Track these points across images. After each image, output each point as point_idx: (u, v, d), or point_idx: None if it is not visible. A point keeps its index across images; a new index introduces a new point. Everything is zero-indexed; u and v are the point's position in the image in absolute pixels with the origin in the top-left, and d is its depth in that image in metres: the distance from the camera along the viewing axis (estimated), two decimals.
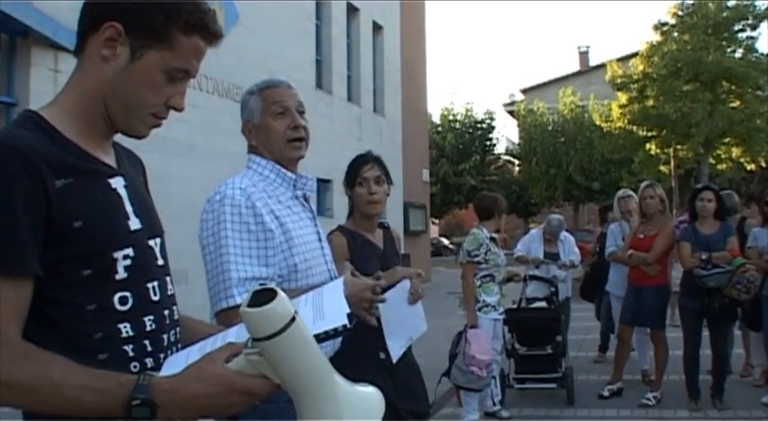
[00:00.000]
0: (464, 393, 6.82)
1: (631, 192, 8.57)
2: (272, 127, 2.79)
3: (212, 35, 1.72)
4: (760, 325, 7.65)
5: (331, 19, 18.07)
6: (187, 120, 9.61)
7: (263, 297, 1.38)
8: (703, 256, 7.08)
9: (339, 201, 14.69)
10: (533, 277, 8.33)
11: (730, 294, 6.96)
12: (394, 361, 3.53)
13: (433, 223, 42.85)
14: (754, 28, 25.39)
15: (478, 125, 42.28)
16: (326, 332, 1.56)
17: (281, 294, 1.38)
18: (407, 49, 23.55)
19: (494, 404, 7.35)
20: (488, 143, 42.81)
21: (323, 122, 16.10)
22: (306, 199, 2.87)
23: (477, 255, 6.92)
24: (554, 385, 7.75)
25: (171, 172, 10.08)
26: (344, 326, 1.58)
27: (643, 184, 7.91)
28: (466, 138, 41.37)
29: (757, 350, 8.25)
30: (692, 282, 7.14)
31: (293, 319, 1.38)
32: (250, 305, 1.37)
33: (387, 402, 3.48)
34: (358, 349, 2.98)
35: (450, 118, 42.32)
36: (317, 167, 12.59)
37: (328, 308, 1.69)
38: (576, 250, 8.94)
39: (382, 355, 3.51)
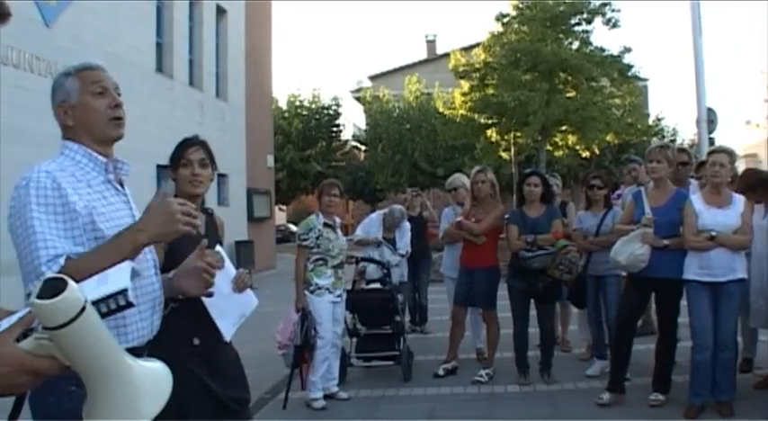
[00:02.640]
0: (310, 374, 6.98)
1: (459, 183, 8.84)
2: (93, 106, 2.76)
3: None
4: (585, 302, 8.12)
5: (173, 1, 17.70)
6: (18, 104, 9.26)
7: (55, 286, 1.41)
8: (529, 239, 7.41)
9: None
10: (365, 259, 8.50)
11: (553, 275, 7.34)
12: (227, 339, 3.58)
13: (280, 210, 42.75)
14: (589, 22, 26.38)
15: (325, 111, 42.38)
16: (109, 306, 1.60)
17: (72, 284, 1.42)
18: (252, 34, 23.33)
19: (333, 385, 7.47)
20: (335, 129, 43.00)
21: (163, 107, 15.80)
22: (121, 183, 2.85)
23: (306, 239, 7.08)
24: (392, 362, 7.98)
25: (1, 157, 9.70)
26: (125, 292, 1.63)
27: (475, 169, 8.19)
28: (312, 124, 41.38)
29: (583, 326, 8.70)
30: (519, 264, 7.47)
31: (83, 309, 1.42)
32: (42, 294, 1.40)
33: (204, 388, 3.55)
34: (171, 335, 3.00)
35: (297, 104, 42.20)
36: (156, 153, 12.19)
37: (113, 277, 1.74)
38: (408, 237, 9.15)
39: (196, 341, 3.54)
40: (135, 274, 2.14)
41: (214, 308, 3.46)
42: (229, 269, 3.66)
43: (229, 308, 3.56)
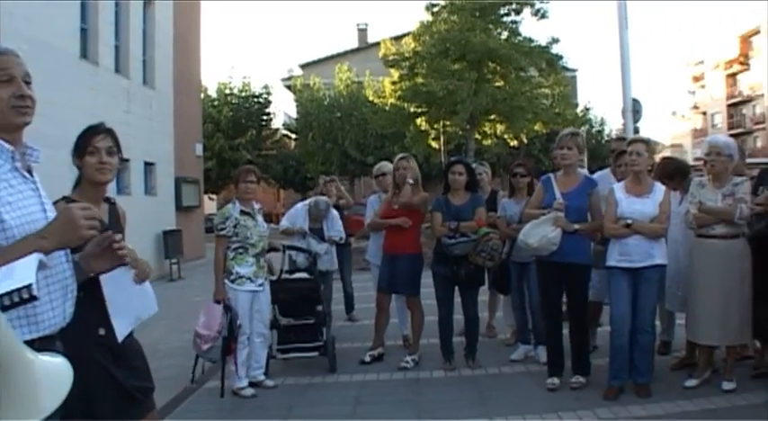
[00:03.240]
0: (231, 362, 6.95)
1: (387, 169, 8.85)
2: None
3: None
4: (508, 289, 8.24)
5: None
6: None
7: None
8: (451, 226, 7.48)
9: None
10: (291, 247, 8.48)
11: (476, 261, 7.42)
12: (119, 340, 3.53)
13: (210, 199, 42.32)
14: (518, 12, 26.66)
15: (255, 99, 42.07)
16: (12, 299, 1.60)
17: None
18: (181, 21, 22.96)
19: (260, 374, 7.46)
20: (265, 117, 42.72)
21: (87, 94, 15.46)
22: (29, 171, 2.80)
23: (223, 229, 7.05)
24: (316, 353, 7.92)
25: None
26: (29, 287, 1.63)
27: (398, 156, 8.21)
28: (242, 113, 41.04)
29: (508, 312, 8.82)
30: (442, 250, 7.55)
31: None
32: None
33: (109, 377, 3.53)
34: (76, 325, 2.96)
35: (227, 92, 41.80)
36: None
37: (19, 270, 1.73)
38: (340, 224, 9.14)
39: (102, 331, 3.49)
40: (42, 266, 2.13)
41: (113, 304, 3.42)
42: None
43: (128, 308, 3.49)
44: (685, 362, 7.28)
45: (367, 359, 8.10)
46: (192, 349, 7.00)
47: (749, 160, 10.09)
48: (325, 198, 9.52)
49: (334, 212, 9.25)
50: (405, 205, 7.87)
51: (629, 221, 6.38)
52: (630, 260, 6.40)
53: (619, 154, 7.72)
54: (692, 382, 6.66)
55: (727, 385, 6.51)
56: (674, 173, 7.39)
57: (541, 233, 6.61)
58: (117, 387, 3.54)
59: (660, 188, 6.62)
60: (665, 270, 6.54)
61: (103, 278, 3.24)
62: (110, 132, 3.72)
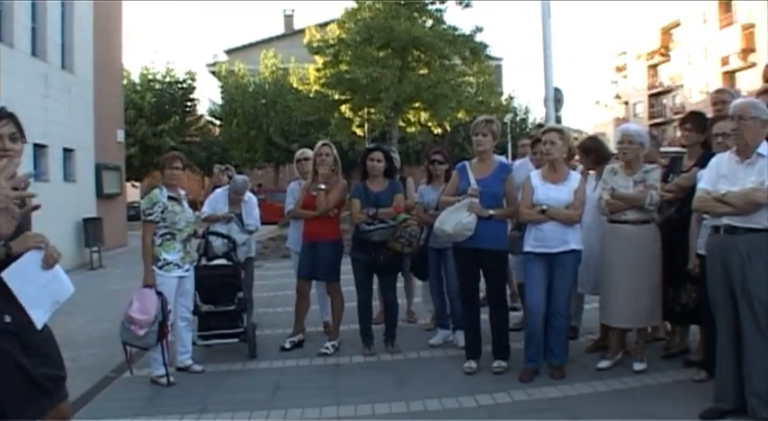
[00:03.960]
0: (152, 349, 6.89)
1: (309, 154, 8.81)
2: None
3: None
4: (427, 274, 8.33)
5: None
6: None
7: None
8: (370, 212, 7.53)
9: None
10: (212, 233, 8.43)
11: (394, 247, 7.48)
12: (39, 327, 3.47)
13: (133, 186, 41.73)
14: (442, 1, 26.83)
15: (179, 85, 41.58)
16: None
17: None
18: (101, 3, 22.46)
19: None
20: (189, 104, 42.27)
21: (2, 79, 15.08)
22: None
23: (151, 214, 6.99)
24: (236, 340, 7.92)
25: None
26: None
27: (319, 143, 8.18)
28: (166, 98, 40.53)
29: (427, 297, 8.90)
30: (361, 237, 7.59)
31: None
32: None
33: (17, 366, 3.48)
34: None
35: (150, 77, 41.23)
36: None
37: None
38: (257, 213, 9.09)
39: (7, 319, 3.42)
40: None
41: (25, 297, 3.37)
42: (38, 254, 3.51)
43: (42, 296, 3.45)
44: (599, 345, 7.47)
45: (287, 345, 8.10)
46: (120, 337, 6.83)
47: (663, 149, 10.34)
48: (242, 176, 9.48)
49: (254, 199, 9.19)
50: (322, 212, 7.89)
51: (545, 207, 6.51)
52: (546, 246, 6.53)
53: (535, 142, 7.85)
54: (604, 364, 6.85)
55: (638, 366, 6.73)
56: (591, 150, 7.55)
57: (456, 219, 6.69)
58: (25, 375, 3.46)
59: (575, 176, 6.77)
60: (580, 255, 6.68)
61: (7, 274, 3.19)
62: (12, 117, 3.63)
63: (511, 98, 45.66)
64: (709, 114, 7.11)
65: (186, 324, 7.36)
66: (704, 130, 6.69)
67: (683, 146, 7.12)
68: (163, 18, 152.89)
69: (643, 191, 6.51)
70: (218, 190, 9.39)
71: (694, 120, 6.98)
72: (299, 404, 6.20)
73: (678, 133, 9.08)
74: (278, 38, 51.94)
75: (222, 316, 7.98)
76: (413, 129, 28.67)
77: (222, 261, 8.15)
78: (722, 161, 5.42)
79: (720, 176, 5.34)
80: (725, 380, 5.40)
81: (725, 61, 61.49)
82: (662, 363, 6.95)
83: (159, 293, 6.80)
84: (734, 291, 5.22)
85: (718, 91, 7.79)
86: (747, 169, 5.19)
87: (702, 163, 6.02)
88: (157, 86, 41.04)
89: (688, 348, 7.21)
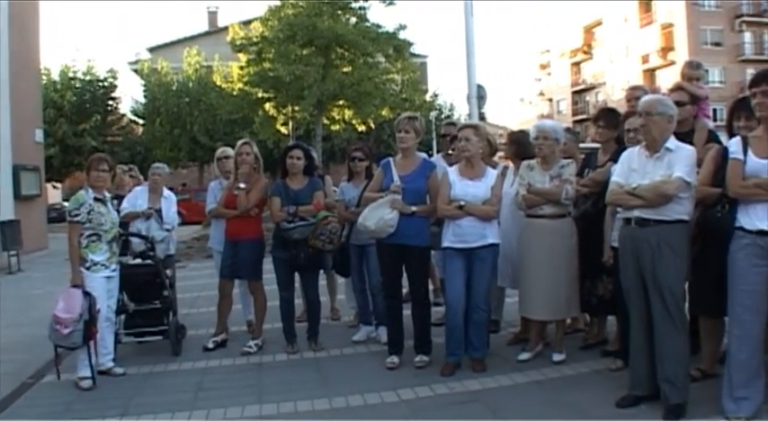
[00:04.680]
0: (79, 350, 6.81)
1: (230, 152, 8.77)
2: None
3: None
4: (349, 271, 8.36)
5: None
6: None
7: None
8: (290, 210, 7.51)
9: None
10: (131, 234, 8.34)
11: (315, 245, 7.49)
12: None
13: (54, 187, 40.92)
14: None
15: (101, 83, 40.82)
16: None
17: None
18: (16, 3, 21.92)
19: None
20: (111, 102, 41.50)
21: None
22: None
23: (77, 215, 6.95)
24: (161, 337, 7.94)
25: None
26: None
27: (240, 142, 8.15)
28: (87, 97, 39.75)
29: (350, 294, 8.95)
30: (281, 235, 7.57)
31: None
32: None
33: None
34: None
35: (71, 75, 40.41)
36: None
37: None
38: (175, 211, 9.01)
39: None
40: None
41: None
42: None
43: None
44: (520, 337, 7.60)
45: (210, 345, 8.06)
46: (48, 339, 6.76)
47: (584, 145, 10.57)
48: (163, 164, 9.42)
49: (173, 197, 9.11)
50: (243, 211, 7.87)
51: (462, 203, 6.59)
52: (464, 241, 6.62)
53: (452, 139, 7.94)
54: (524, 356, 6.98)
55: (557, 357, 6.88)
56: (514, 142, 7.67)
57: (379, 215, 6.73)
58: None
59: (492, 172, 6.87)
60: (498, 249, 6.77)
61: None
62: None
63: (436, 95, 45.98)
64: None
65: (108, 324, 7.25)
66: (617, 126, 6.86)
67: (598, 142, 7.27)
68: (85, 15, 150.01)
69: (558, 185, 6.64)
70: (137, 187, 9.31)
71: (606, 116, 7.17)
72: (222, 404, 6.17)
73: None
74: (202, 35, 51.45)
75: (147, 314, 8.02)
76: (337, 126, 28.68)
77: (138, 260, 8.10)
78: (633, 155, 5.57)
79: (631, 170, 5.49)
80: (638, 367, 5.56)
81: (645, 59, 63.26)
82: (581, 354, 7.11)
83: (87, 293, 6.76)
84: (645, 282, 5.37)
85: (633, 88, 8.01)
86: (656, 163, 5.35)
87: (616, 158, 6.16)
88: (78, 85, 40.22)
89: (606, 339, 7.39)
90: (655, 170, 5.33)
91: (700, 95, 6.84)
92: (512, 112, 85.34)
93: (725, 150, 5.35)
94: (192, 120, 37.98)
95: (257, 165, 7.98)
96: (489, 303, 6.95)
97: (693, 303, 5.97)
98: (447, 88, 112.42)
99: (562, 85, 76.72)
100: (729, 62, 60.37)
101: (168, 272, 8.34)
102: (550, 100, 79.69)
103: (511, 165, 7.74)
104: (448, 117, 48.51)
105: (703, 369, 6.06)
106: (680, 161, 5.26)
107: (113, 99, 41.82)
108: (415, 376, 6.65)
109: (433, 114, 42.00)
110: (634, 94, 7.30)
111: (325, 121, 27.76)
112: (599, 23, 71.01)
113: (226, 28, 33.53)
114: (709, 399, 5.39)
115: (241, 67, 27.29)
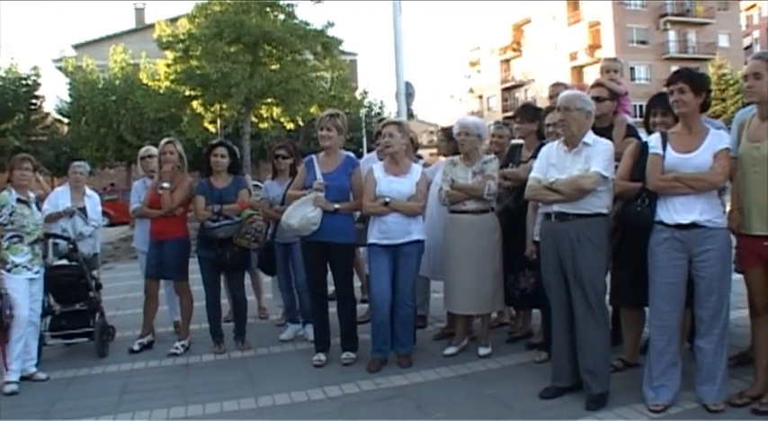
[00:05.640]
0: (7, 356, 6.73)
1: (153, 151, 8.68)
2: None
3: None
4: (275, 269, 8.33)
5: None
6: None
7: None
8: (215, 209, 7.47)
9: None
10: (51, 235, 8.18)
11: (240, 243, 7.45)
12: None
13: None
14: None
15: (23, 81, 39.89)
16: None
17: None
18: None
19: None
20: (34, 101, 40.58)
21: None
22: None
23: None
24: (87, 339, 7.87)
25: None
26: None
27: (163, 141, 8.07)
28: (9, 96, 38.80)
29: (276, 293, 8.97)
30: (206, 234, 7.52)
31: None
32: None
33: None
34: None
35: None
36: None
37: None
38: (99, 210, 8.89)
39: None
40: None
41: None
42: None
43: None
44: (446, 332, 7.67)
45: (136, 347, 7.97)
46: None
47: (515, 141, 10.71)
48: (84, 162, 9.28)
49: (96, 197, 8.98)
50: (167, 211, 7.80)
51: (387, 200, 6.63)
52: (390, 237, 6.66)
53: (376, 135, 7.97)
54: (451, 350, 7.05)
55: (483, 350, 6.97)
56: (451, 139, 7.73)
57: (302, 213, 6.73)
58: None
59: (417, 169, 6.93)
60: (423, 245, 6.84)
61: None
62: None
63: (365, 93, 45.99)
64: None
65: (33, 328, 7.14)
66: (534, 120, 7.00)
67: (519, 137, 7.38)
68: (6, 12, 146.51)
69: (481, 181, 6.71)
70: (57, 188, 9.17)
71: (522, 112, 7.35)
72: (147, 406, 6.11)
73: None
74: (128, 32, 50.68)
75: (73, 315, 7.96)
76: (266, 124, 28.54)
77: (65, 262, 7.97)
78: (551, 150, 5.67)
79: (550, 165, 5.58)
80: (561, 359, 5.67)
81: (573, 57, 64.44)
82: (506, 347, 7.23)
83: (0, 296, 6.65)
84: (566, 275, 5.47)
85: (555, 84, 8.16)
86: (574, 158, 5.45)
87: (536, 153, 6.25)
88: None
89: (531, 331, 7.51)
90: (573, 165, 5.43)
91: (619, 91, 6.97)
92: (442, 109, 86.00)
93: (643, 145, 5.48)
94: (119, 119, 37.33)
95: (181, 164, 7.93)
96: (415, 299, 7.00)
97: (614, 295, 6.12)
98: (377, 86, 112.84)
99: (492, 81, 77.56)
100: (655, 60, 61.80)
101: (94, 272, 8.23)
102: (480, 97, 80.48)
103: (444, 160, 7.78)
104: (378, 114, 48.63)
105: (625, 359, 6.23)
106: (597, 155, 5.37)
107: (37, 97, 40.89)
108: (341, 373, 6.67)
109: (362, 112, 42.00)
110: (556, 90, 7.41)
111: (254, 119, 27.59)
112: (528, 21, 72.06)
113: (152, 25, 33.10)
114: (631, 388, 5.57)
115: (168, 65, 26.92)
